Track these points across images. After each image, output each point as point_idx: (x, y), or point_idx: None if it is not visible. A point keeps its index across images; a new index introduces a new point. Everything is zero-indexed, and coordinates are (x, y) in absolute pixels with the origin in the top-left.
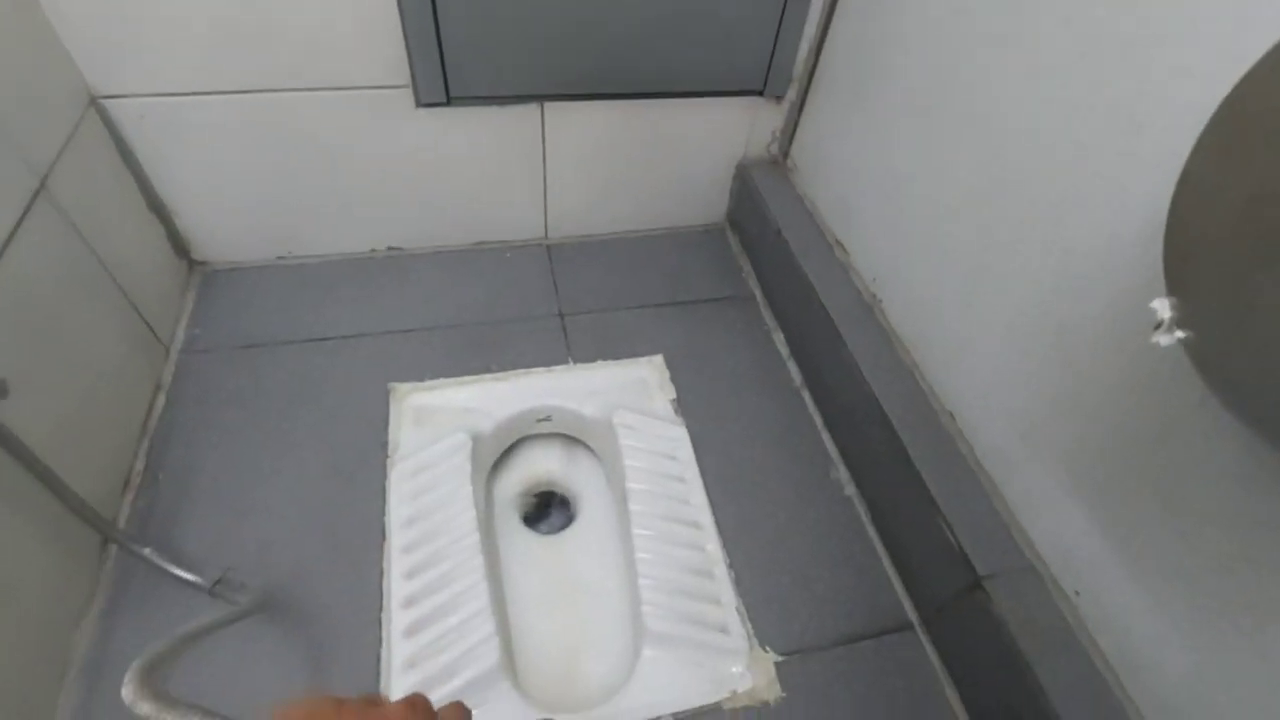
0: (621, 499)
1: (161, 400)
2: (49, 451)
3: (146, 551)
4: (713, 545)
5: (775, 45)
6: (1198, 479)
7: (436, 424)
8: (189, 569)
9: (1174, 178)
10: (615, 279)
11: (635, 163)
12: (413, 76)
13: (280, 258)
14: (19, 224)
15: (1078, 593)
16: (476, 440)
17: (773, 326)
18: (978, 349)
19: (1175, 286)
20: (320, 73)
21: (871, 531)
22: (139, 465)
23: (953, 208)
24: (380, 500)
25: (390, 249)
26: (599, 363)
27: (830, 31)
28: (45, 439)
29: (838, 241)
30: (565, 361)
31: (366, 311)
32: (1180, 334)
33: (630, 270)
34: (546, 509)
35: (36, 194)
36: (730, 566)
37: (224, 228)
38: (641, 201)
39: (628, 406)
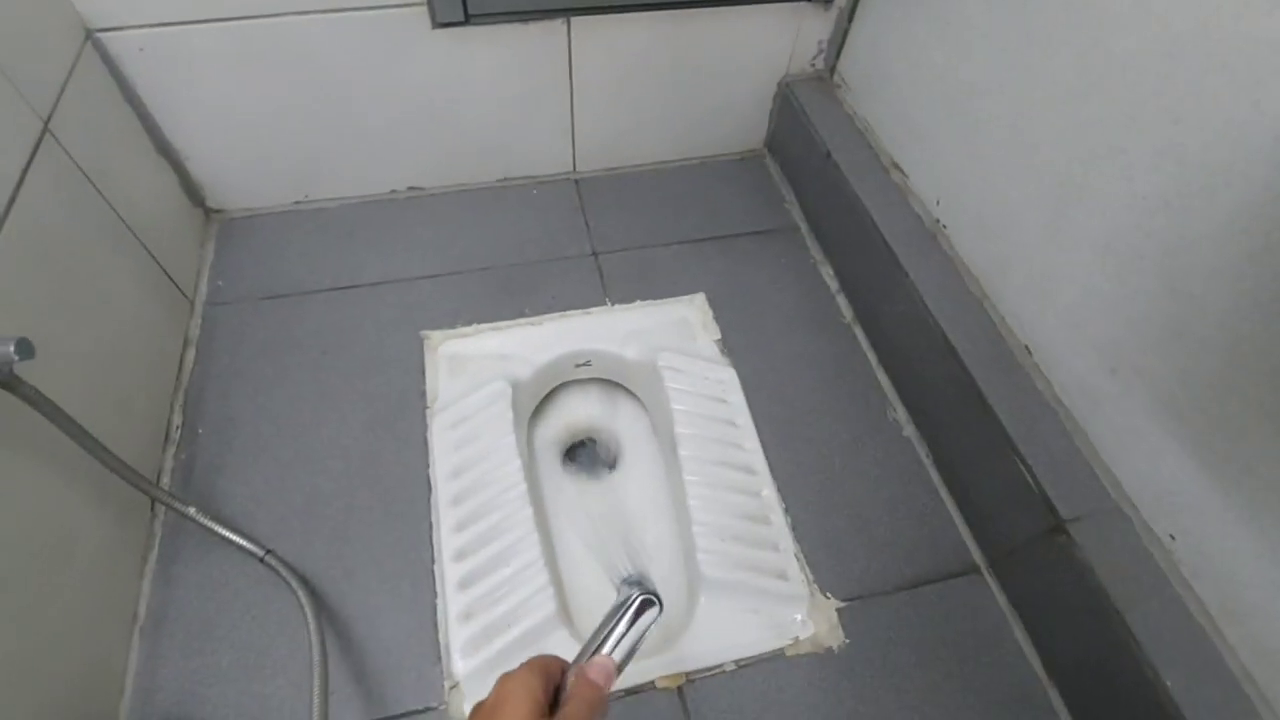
0: (670, 444)
1: (191, 355)
2: (84, 412)
3: (191, 510)
4: (768, 490)
5: None
6: None
7: (472, 372)
8: (237, 528)
9: None
10: (649, 214)
11: (668, 85)
12: None
13: (298, 202)
14: (26, 169)
15: (1173, 536)
16: (516, 388)
17: (820, 259)
18: (1065, 276)
19: None
20: None
21: (933, 473)
22: (176, 420)
23: (1040, 111)
24: (423, 452)
25: (411, 189)
26: (638, 303)
27: None
28: (79, 399)
29: (895, 164)
30: (602, 303)
31: (391, 256)
32: None
33: (664, 204)
34: (590, 454)
35: (41, 136)
36: (787, 512)
37: (238, 172)
38: (675, 130)
39: (672, 348)
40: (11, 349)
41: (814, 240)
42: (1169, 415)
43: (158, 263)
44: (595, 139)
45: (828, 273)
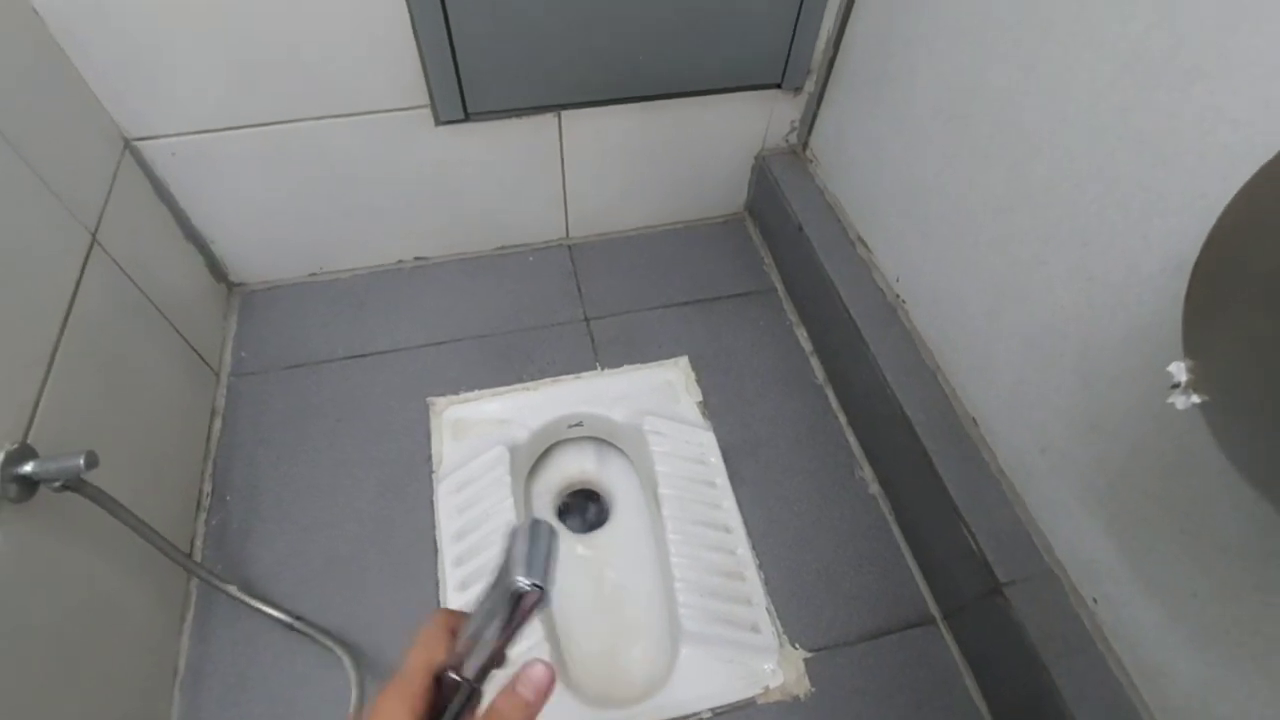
0: (654, 502)
1: (218, 425)
2: (128, 492)
3: (232, 589)
4: (743, 549)
5: (794, 37)
6: (1214, 511)
7: (474, 436)
8: (268, 597)
9: (1199, 221)
10: (637, 278)
11: (653, 161)
12: (430, 97)
13: (313, 274)
14: (80, 280)
15: (1095, 600)
16: (514, 451)
17: (795, 321)
18: (1000, 359)
19: (1193, 349)
20: (340, 100)
21: (895, 530)
22: (206, 488)
23: (977, 216)
24: (430, 514)
25: (417, 259)
26: (626, 367)
27: (850, 23)
28: (124, 482)
29: (860, 238)
30: (593, 367)
31: (399, 325)
32: (1196, 398)
33: (652, 268)
34: (582, 505)
35: (90, 248)
36: (760, 568)
37: (258, 250)
38: (660, 197)
39: (656, 412)
40: (81, 462)
41: (789, 303)
42: (1088, 494)
43: (186, 341)
44: (586, 209)
45: (802, 335)
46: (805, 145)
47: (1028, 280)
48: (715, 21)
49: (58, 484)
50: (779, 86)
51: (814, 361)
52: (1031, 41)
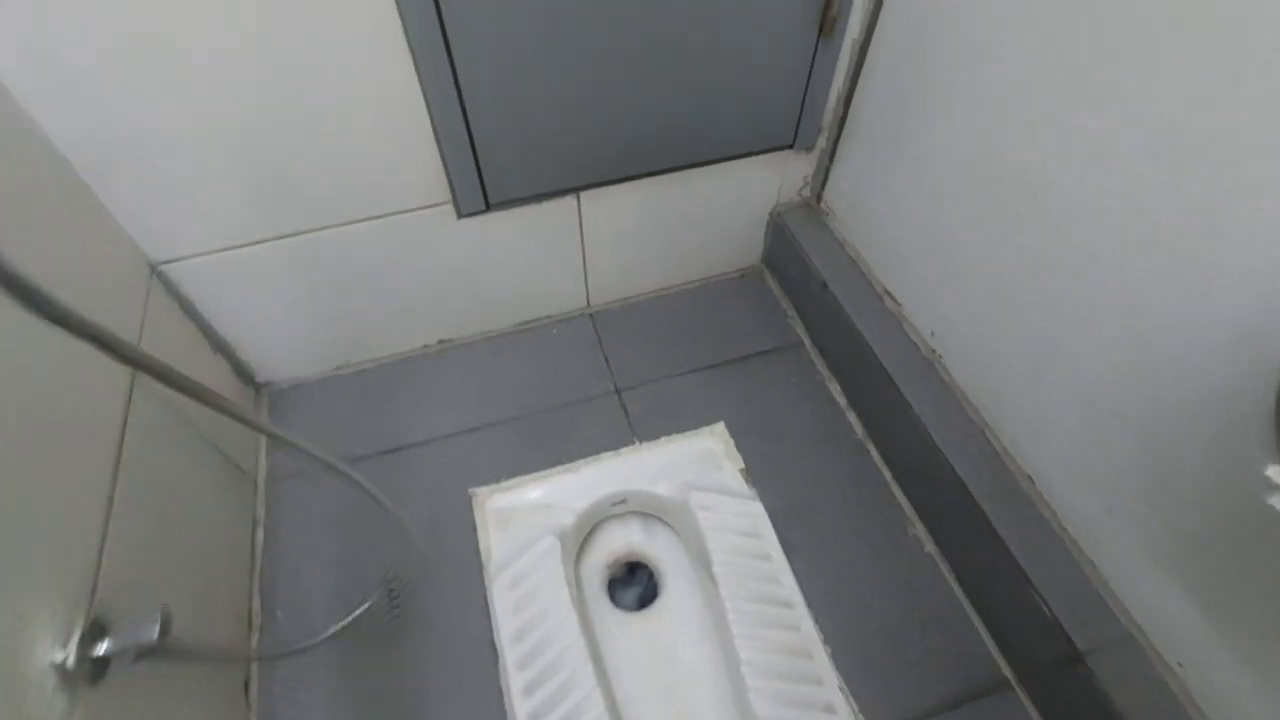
0: (709, 579)
1: (260, 535)
2: (190, 626)
3: None
4: (806, 624)
5: (804, 100)
6: None
7: (520, 525)
8: None
9: (1264, 290)
10: (662, 342)
11: (670, 227)
12: (453, 193)
13: (339, 368)
14: (125, 422)
15: (1180, 664)
16: (562, 539)
17: (826, 376)
18: (1053, 417)
19: None
20: (362, 205)
21: (957, 590)
22: (255, 604)
23: (1012, 275)
24: (486, 614)
25: (441, 342)
26: (663, 439)
27: (860, 82)
28: (185, 618)
29: (887, 292)
30: (631, 441)
31: (431, 413)
32: None
33: (676, 329)
34: (631, 579)
35: (132, 384)
36: (826, 643)
37: (283, 349)
38: (678, 259)
39: (701, 485)
40: (156, 631)
41: (818, 356)
42: (1165, 558)
43: (223, 453)
44: (606, 277)
45: (835, 390)
46: (819, 198)
47: (1075, 341)
48: (725, 95)
49: (134, 658)
50: (791, 147)
51: (850, 417)
52: (1063, 114)
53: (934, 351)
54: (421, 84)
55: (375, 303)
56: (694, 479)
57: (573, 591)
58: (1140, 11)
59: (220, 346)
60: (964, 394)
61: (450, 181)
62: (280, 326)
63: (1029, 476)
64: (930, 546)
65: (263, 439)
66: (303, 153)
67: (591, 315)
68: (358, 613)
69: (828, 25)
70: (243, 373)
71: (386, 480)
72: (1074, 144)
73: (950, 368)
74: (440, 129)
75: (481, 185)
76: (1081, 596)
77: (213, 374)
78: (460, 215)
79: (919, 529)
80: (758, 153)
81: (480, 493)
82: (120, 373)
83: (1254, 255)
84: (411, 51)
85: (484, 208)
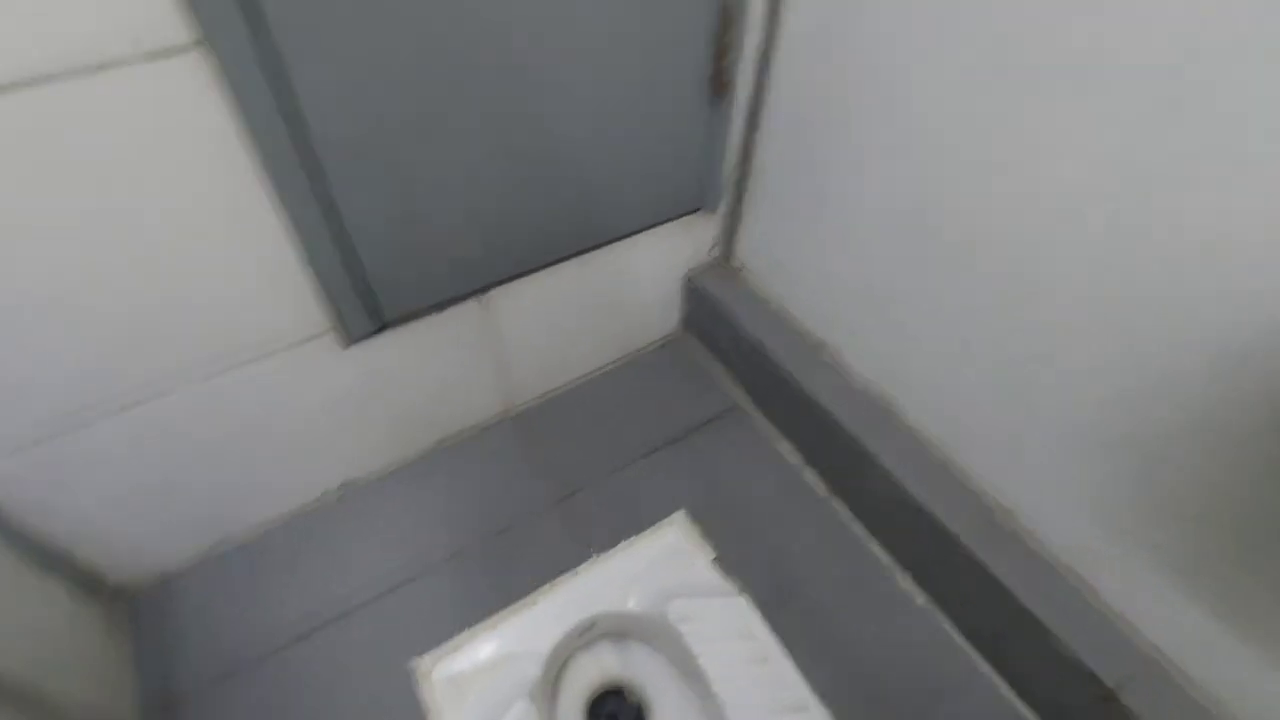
0: (707, 697)
1: None
2: None
3: None
4: None
5: (704, 165)
6: None
7: (479, 693)
8: None
9: (1229, 318)
10: (598, 432)
11: (585, 310)
12: (338, 319)
13: (218, 544)
14: None
15: (1211, 682)
16: (534, 696)
17: (774, 436)
18: (1029, 449)
19: None
20: (221, 354)
21: (962, 642)
22: None
23: (963, 314)
24: None
25: (344, 485)
26: (622, 545)
27: (758, 138)
28: None
29: (822, 343)
30: (587, 553)
31: (346, 574)
32: None
33: (608, 416)
34: (612, 711)
35: None
36: None
37: (139, 538)
38: (598, 340)
39: (676, 591)
40: None
41: (762, 417)
42: (1179, 578)
43: (83, 709)
44: (525, 375)
45: (786, 449)
46: (730, 257)
47: (1046, 373)
48: (623, 168)
49: None
50: (699, 210)
51: (809, 475)
52: (990, 160)
53: (884, 396)
54: (284, 205)
55: (254, 458)
56: (667, 585)
57: None
58: (1045, 52)
59: (51, 560)
60: (925, 436)
61: (331, 308)
62: (133, 513)
63: (1008, 510)
64: (922, 599)
65: (128, 661)
66: (135, 306)
67: (514, 417)
68: None
69: (719, 85)
70: (87, 582)
71: (304, 676)
72: (997, 188)
73: (905, 411)
74: (312, 252)
75: (371, 305)
76: (1098, 629)
77: (42, 604)
78: (349, 343)
79: (907, 582)
80: (665, 221)
81: (423, 663)
82: None
83: (1218, 281)
84: (267, 172)
85: (376, 328)
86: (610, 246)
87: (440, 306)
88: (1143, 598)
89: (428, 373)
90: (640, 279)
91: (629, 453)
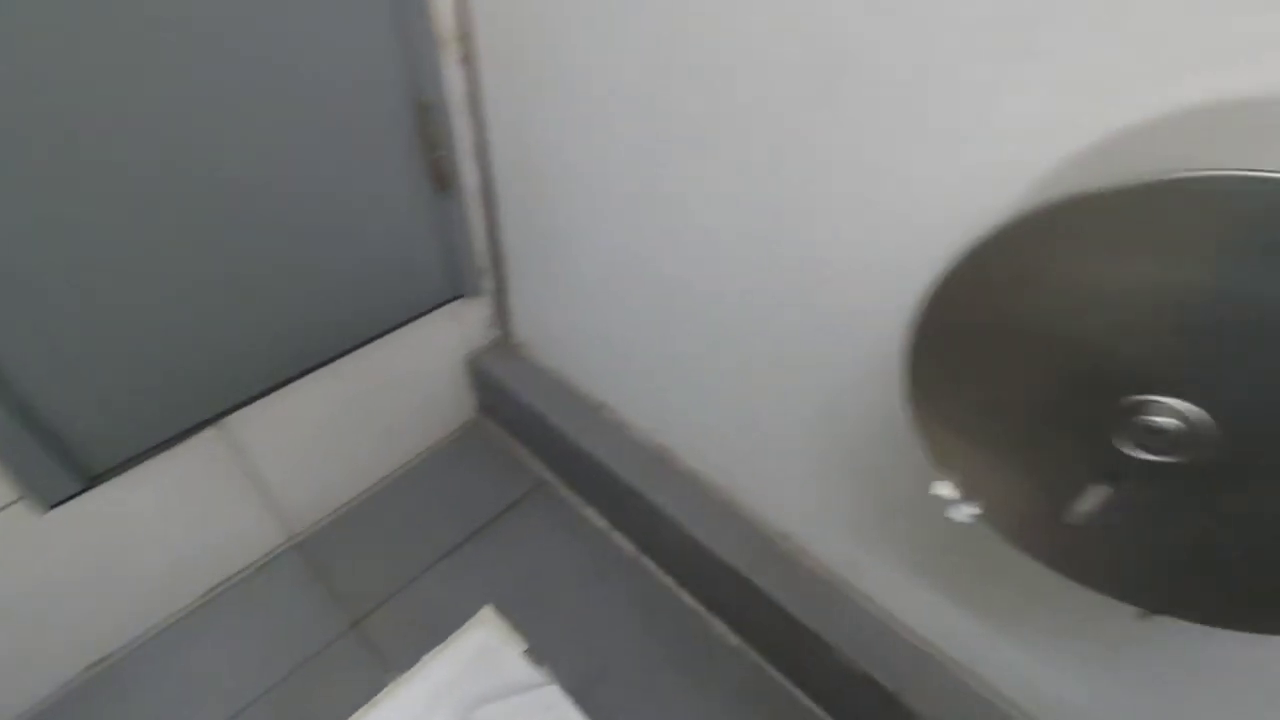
0: None
1: None
2: None
3: None
4: None
5: (450, 253)
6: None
7: None
8: None
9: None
10: (395, 541)
11: (356, 416)
12: (27, 484)
13: None
14: None
15: (973, 664)
16: None
17: (579, 504)
18: (792, 476)
19: (944, 469)
20: None
21: (775, 674)
22: None
23: (691, 360)
24: None
25: (96, 664)
26: (425, 658)
27: (500, 220)
28: None
29: (603, 403)
30: (388, 676)
31: None
32: (970, 509)
33: (407, 521)
34: None
35: None
36: None
37: None
38: (383, 442)
39: (485, 696)
40: None
41: (567, 488)
42: (915, 568)
43: None
44: (300, 496)
45: (592, 515)
46: (510, 335)
47: (761, 405)
48: (361, 270)
49: None
50: (460, 297)
51: (616, 537)
52: (665, 210)
53: (662, 446)
54: None
55: None
56: (476, 690)
57: None
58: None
59: None
60: (701, 478)
61: (15, 471)
62: None
63: (783, 534)
64: (735, 639)
65: None
66: None
67: (299, 546)
68: None
69: (442, 180)
70: None
71: None
72: (689, 236)
73: (683, 457)
74: None
75: (70, 460)
76: (874, 636)
77: None
78: (49, 507)
79: (720, 626)
80: (425, 312)
81: None
82: None
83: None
84: None
85: (84, 486)
86: (367, 348)
87: (167, 444)
88: (904, 598)
89: (175, 516)
90: (414, 373)
91: (431, 555)
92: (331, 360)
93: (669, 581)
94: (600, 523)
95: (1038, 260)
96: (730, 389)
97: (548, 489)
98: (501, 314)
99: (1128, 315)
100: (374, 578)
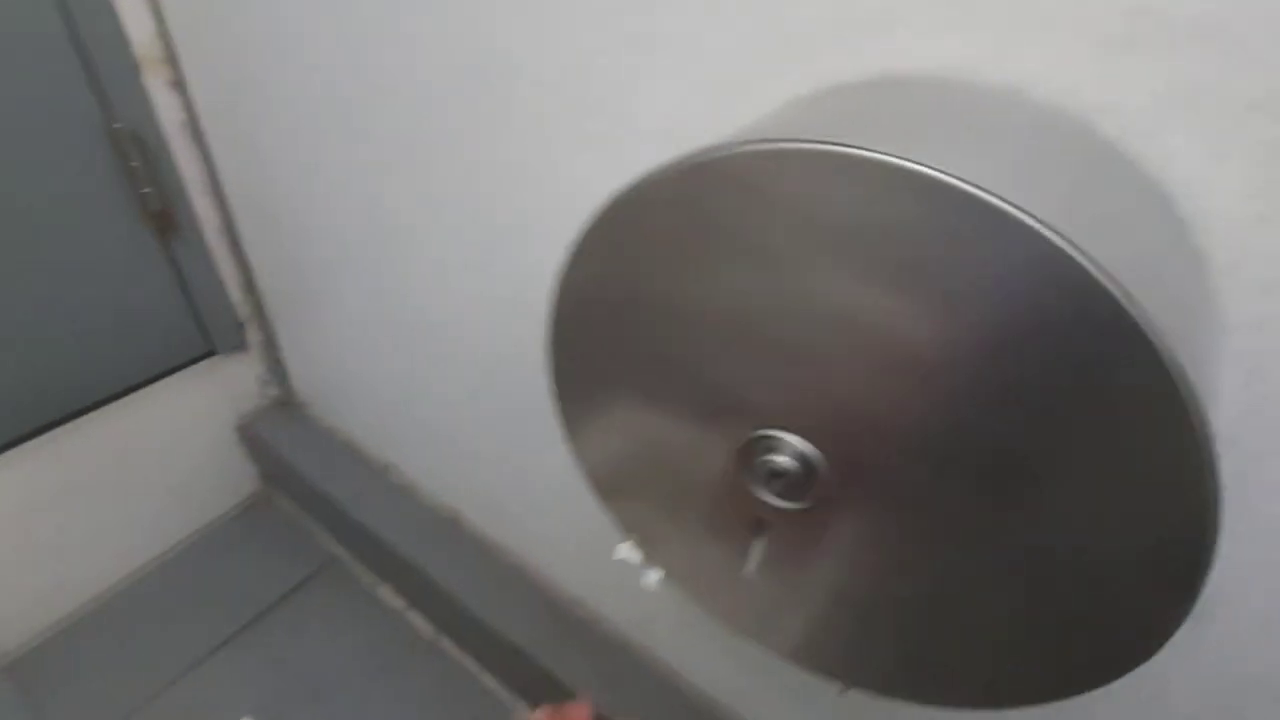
0: None
1: None
2: None
3: None
4: None
5: (193, 303)
6: None
7: None
8: None
9: None
10: (138, 647)
11: (102, 490)
12: None
13: None
14: None
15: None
16: None
17: (374, 581)
18: (562, 534)
19: (624, 528)
20: None
21: None
22: None
23: (465, 398)
24: None
25: None
26: None
27: (253, 267)
28: None
29: (388, 464)
30: None
31: None
32: (656, 573)
33: (159, 621)
34: None
35: None
36: None
37: None
38: (132, 527)
39: None
40: None
41: (360, 564)
42: (712, 638)
43: None
44: (20, 600)
45: (388, 593)
46: (290, 393)
47: (544, 458)
48: (72, 330)
49: None
50: (215, 353)
51: (414, 616)
52: (401, 251)
53: (451, 508)
54: None
55: None
56: None
57: None
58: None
59: None
60: (492, 543)
61: None
62: None
63: (576, 600)
64: None
65: None
66: None
67: (9, 668)
68: None
69: (156, 218)
70: None
71: None
72: (423, 268)
73: (471, 519)
74: None
75: None
76: (663, 694)
77: None
78: None
79: (523, 712)
80: (168, 371)
81: None
82: None
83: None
84: None
85: None
86: (96, 414)
87: None
88: (696, 659)
89: None
90: (167, 444)
91: (186, 660)
92: (53, 426)
93: (470, 664)
94: (396, 602)
95: (616, 270)
96: (495, 441)
97: (338, 566)
98: (276, 369)
99: (713, 331)
100: (107, 698)
